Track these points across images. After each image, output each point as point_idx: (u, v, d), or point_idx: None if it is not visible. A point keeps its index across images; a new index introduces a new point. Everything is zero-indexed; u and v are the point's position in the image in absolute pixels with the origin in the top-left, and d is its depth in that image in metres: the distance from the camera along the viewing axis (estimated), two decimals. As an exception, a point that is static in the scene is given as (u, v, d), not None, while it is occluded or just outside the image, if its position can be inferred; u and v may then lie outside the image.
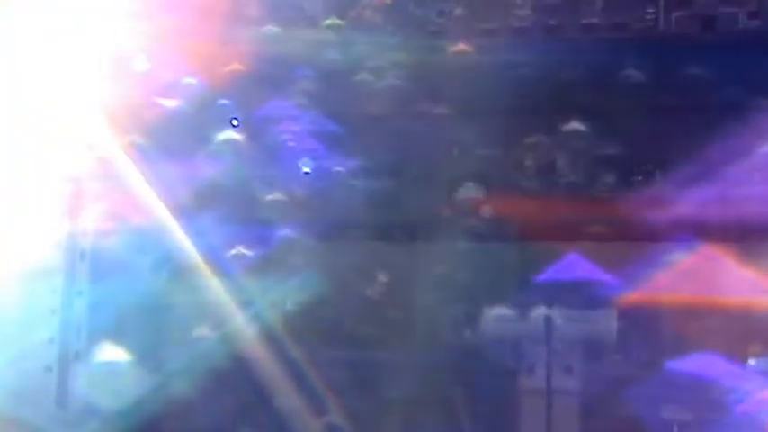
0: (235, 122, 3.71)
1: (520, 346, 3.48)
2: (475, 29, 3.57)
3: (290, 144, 3.68)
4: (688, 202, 3.39)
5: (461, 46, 3.55)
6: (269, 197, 3.66)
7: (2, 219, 3.52)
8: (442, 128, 3.60)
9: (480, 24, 3.57)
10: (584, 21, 3.54)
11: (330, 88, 3.67)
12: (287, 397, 3.53)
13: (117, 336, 3.57)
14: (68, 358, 3.50)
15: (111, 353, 3.54)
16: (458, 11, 3.58)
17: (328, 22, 3.67)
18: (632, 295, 3.39)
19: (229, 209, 3.62)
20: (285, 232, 3.64)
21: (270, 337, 3.53)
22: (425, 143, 3.60)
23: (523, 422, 3.46)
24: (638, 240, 3.37)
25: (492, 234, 3.53)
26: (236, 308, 3.53)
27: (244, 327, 3.53)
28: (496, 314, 3.50)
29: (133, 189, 3.55)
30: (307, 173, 3.67)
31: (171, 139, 3.64)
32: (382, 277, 3.61)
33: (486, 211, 3.55)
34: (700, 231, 3.34)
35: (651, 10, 3.49)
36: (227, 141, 3.70)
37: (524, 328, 3.47)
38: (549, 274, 3.46)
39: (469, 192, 3.56)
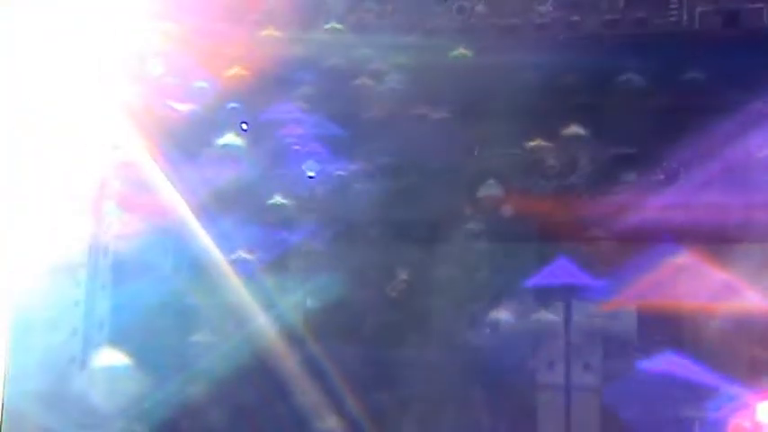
0: (244, 126, 3.74)
1: (538, 343, 3.48)
2: (495, 25, 3.55)
3: (303, 148, 3.71)
4: (713, 204, 3.35)
5: (479, 44, 3.53)
6: (282, 200, 3.69)
7: (28, 214, 3.60)
8: (460, 127, 3.60)
9: (500, 21, 3.55)
10: (606, 17, 3.50)
11: (352, 89, 3.68)
12: (306, 395, 3.57)
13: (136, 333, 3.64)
14: (91, 350, 3.58)
15: (126, 355, 3.60)
16: (478, 7, 3.56)
17: (327, 26, 3.67)
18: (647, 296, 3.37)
19: (240, 211, 3.66)
20: (301, 234, 3.67)
21: (287, 338, 3.57)
22: (444, 143, 3.61)
23: (542, 419, 3.46)
24: (654, 241, 3.34)
25: (508, 233, 3.53)
26: (252, 308, 3.57)
27: (262, 327, 3.58)
28: (514, 312, 3.51)
29: (153, 189, 3.61)
30: (311, 176, 3.69)
31: (181, 142, 3.68)
32: (396, 279, 3.62)
33: (506, 210, 3.54)
34: (720, 233, 3.31)
35: (674, 6, 3.44)
36: (238, 145, 3.73)
37: (542, 326, 3.48)
38: (562, 275, 3.45)
39: (487, 191, 3.56)
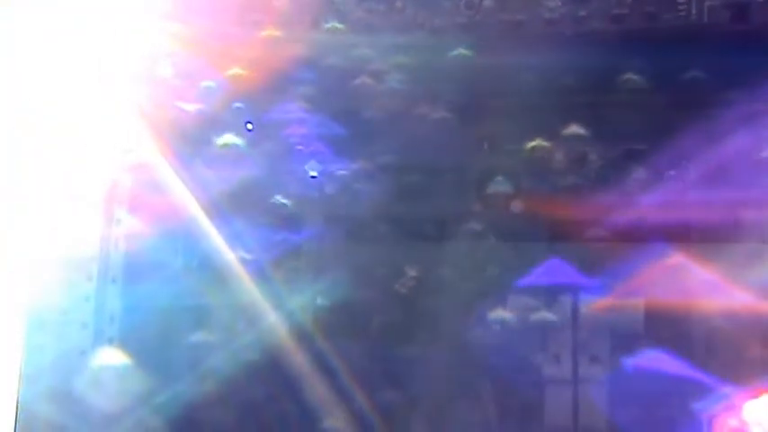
0: (250, 126, 3.76)
1: (543, 339, 3.49)
2: (503, 21, 3.55)
3: (307, 147, 3.73)
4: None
5: (488, 41, 3.53)
6: (286, 200, 3.71)
7: (41, 209, 3.64)
8: (464, 126, 3.60)
9: (509, 16, 3.55)
10: (614, 11, 3.49)
11: (358, 88, 3.69)
12: (314, 393, 3.58)
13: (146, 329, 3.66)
14: (102, 343, 3.61)
15: (135, 351, 3.63)
16: (486, 2, 3.56)
17: (329, 26, 3.68)
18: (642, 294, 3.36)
19: (245, 211, 3.67)
20: (305, 234, 3.69)
21: (295, 337, 3.59)
22: (449, 142, 3.61)
23: (548, 412, 3.47)
24: (654, 241, 3.33)
25: (512, 231, 3.53)
26: (261, 307, 3.59)
27: (270, 325, 3.59)
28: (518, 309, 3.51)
29: (161, 188, 3.64)
30: (314, 176, 3.71)
31: (189, 142, 3.71)
32: (403, 276, 3.63)
33: (510, 208, 3.55)
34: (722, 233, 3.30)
35: (683, 0, 3.42)
36: (244, 145, 3.75)
37: (550, 319, 3.48)
38: (564, 274, 3.45)
39: (492, 190, 3.57)
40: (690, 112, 3.40)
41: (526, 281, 3.52)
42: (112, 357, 3.63)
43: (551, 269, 3.50)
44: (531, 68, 3.51)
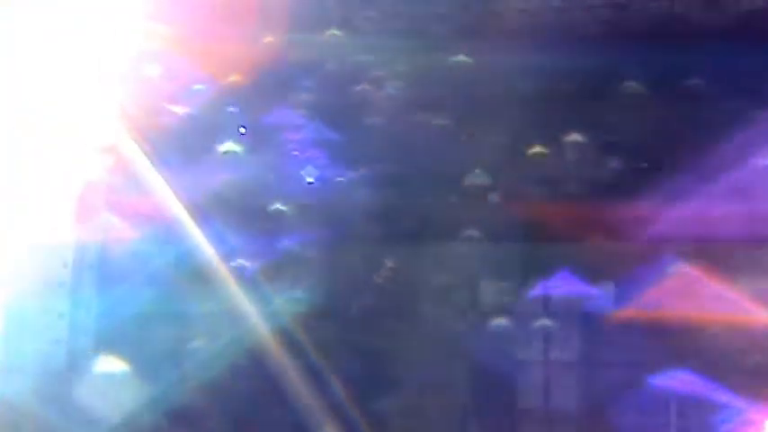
0: (242, 130, 3.78)
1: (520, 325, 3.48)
2: (481, 9, 3.60)
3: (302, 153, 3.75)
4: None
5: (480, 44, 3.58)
6: (278, 206, 3.72)
7: (21, 202, 3.63)
8: (457, 132, 3.63)
9: (484, 6, 3.60)
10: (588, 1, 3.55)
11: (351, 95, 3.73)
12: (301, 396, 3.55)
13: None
14: (77, 332, 3.57)
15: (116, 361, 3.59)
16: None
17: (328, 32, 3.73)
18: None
19: (234, 214, 3.67)
20: (296, 239, 3.69)
21: (279, 341, 3.57)
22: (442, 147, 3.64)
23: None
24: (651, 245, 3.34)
25: (502, 236, 3.54)
26: (243, 311, 3.58)
27: (254, 330, 3.58)
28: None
29: (145, 189, 3.64)
30: (311, 182, 3.72)
31: (179, 144, 3.72)
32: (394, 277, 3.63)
33: (502, 213, 3.57)
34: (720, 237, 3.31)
35: (655, -11, 3.49)
36: (234, 149, 3.77)
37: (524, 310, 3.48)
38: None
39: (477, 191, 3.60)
40: (663, 102, 3.45)
41: (521, 283, 3.52)
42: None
43: (549, 275, 3.50)
44: (506, 59, 3.54)
